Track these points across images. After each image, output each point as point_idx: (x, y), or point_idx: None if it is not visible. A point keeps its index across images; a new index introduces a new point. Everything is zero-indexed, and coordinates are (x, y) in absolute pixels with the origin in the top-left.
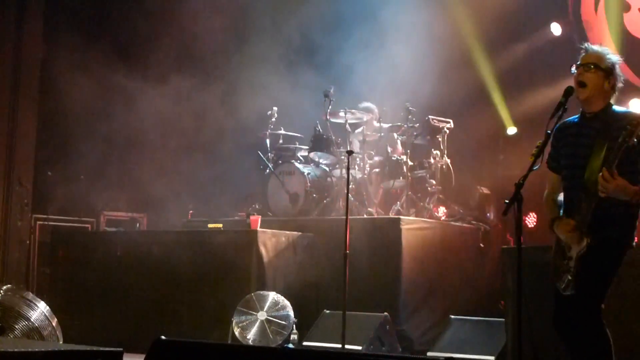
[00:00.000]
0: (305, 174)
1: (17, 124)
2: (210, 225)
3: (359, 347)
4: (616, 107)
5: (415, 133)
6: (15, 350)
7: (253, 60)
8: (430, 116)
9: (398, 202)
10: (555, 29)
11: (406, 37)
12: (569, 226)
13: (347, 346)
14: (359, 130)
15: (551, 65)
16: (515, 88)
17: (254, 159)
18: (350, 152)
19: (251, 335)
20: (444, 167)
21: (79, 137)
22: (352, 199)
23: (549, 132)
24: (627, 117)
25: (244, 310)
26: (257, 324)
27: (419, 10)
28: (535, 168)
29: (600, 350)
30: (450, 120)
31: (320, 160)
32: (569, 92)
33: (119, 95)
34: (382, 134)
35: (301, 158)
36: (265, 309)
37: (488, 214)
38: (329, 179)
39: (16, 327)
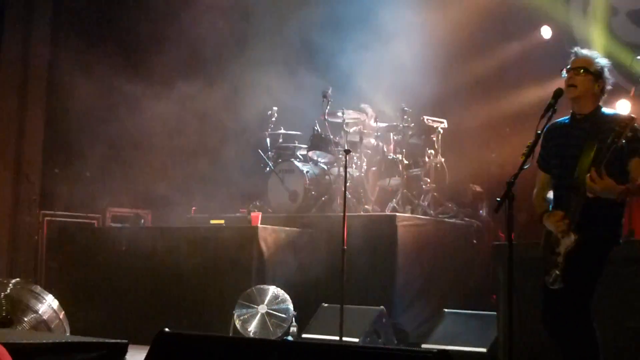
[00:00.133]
0: (305, 172)
1: (25, 123)
2: (212, 222)
3: (356, 340)
4: (605, 110)
5: (410, 133)
6: (24, 341)
7: (255, 62)
8: (425, 116)
9: (394, 200)
10: (546, 32)
11: (401, 39)
12: (558, 216)
13: (344, 338)
14: (356, 129)
15: (541, 67)
16: (507, 88)
17: (254, 157)
18: (347, 151)
19: (252, 328)
20: (438, 165)
21: (85, 136)
22: (349, 196)
23: (539, 132)
24: (616, 119)
25: (245, 304)
26: (258, 317)
27: (415, 13)
28: (525, 167)
29: (587, 345)
30: (445, 120)
31: (319, 159)
32: (558, 94)
33: (123, 96)
34: (379, 133)
35: (300, 157)
36: (265, 302)
37: (480, 211)
38: (327, 177)
39: (25, 319)
